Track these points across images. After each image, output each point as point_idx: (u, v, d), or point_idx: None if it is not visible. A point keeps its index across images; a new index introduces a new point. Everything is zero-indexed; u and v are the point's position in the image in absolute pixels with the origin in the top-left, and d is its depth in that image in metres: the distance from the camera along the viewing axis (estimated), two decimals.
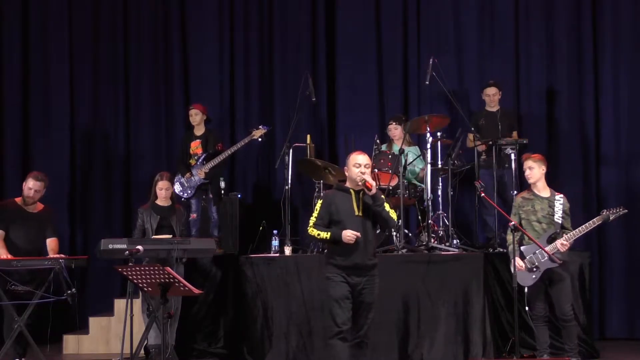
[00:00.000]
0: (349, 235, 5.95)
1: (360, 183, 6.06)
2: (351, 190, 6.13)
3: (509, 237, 6.87)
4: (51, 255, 7.34)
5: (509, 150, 8.30)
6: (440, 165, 8.35)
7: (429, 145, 8.19)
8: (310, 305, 7.67)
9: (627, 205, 7.27)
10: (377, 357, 7.25)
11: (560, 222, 6.93)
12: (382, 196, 6.18)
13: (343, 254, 6.03)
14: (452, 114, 8.94)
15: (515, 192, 8.15)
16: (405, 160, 8.18)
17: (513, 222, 6.81)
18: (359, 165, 6.10)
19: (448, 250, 7.89)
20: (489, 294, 7.61)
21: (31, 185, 7.47)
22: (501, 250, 7.98)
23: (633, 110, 9.26)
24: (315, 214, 6.19)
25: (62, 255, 7.30)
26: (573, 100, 9.42)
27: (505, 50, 9.57)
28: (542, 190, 7.07)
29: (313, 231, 6.14)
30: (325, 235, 6.06)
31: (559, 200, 7.01)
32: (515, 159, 8.22)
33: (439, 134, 8.26)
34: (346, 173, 6.23)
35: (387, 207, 6.11)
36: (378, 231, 7.57)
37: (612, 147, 9.27)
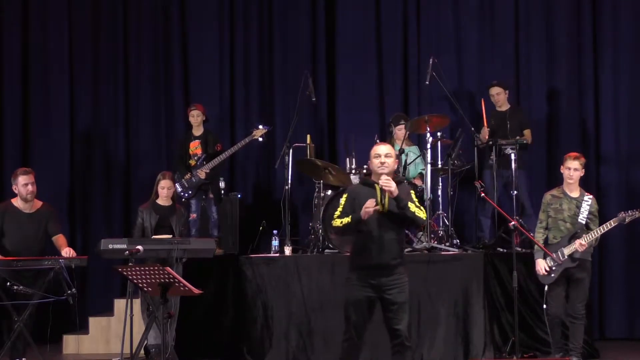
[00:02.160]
0: (366, 206, 5.64)
1: (380, 186, 5.75)
2: (376, 185, 5.81)
3: (538, 235, 7.04)
4: (63, 249, 7.28)
5: (508, 150, 8.29)
6: (440, 165, 8.35)
7: (429, 145, 8.19)
8: (310, 305, 7.69)
9: (627, 205, 7.28)
10: (377, 357, 7.25)
11: (584, 222, 6.97)
12: (412, 193, 5.91)
13: (363, 252, 5.77)
14: (452, 114, 8.94)
15: (515, 192, 8.15)
16: (406, 160, 8.19)
17: (513, 222, 6.83)
18: (378, 155, 5.84)
19: (448, 250, 7.89)
20: (489, 294, 7.61)
21: (25, 181, 7.33)
22: (501, 250, 7.99)
23: (633, 110, 9.26)
24: (339, 209, 5.91)
25: (64, 255, 7.22)
26: (573, 100, 9.43)
27: (505, 50, 9.56)
28: (574, 190, 7.09)
29: (336, 222, 5.85)
30: (347, 220, 5.78)
31: (587, 202, 7.03)
32: (515, 159, 8.22)
33: (439, 134, 8.26)
34: (370, 167, 6.00)
35: (412, 207, 5.77)
36: None
37: (612, 147, 9.27)
